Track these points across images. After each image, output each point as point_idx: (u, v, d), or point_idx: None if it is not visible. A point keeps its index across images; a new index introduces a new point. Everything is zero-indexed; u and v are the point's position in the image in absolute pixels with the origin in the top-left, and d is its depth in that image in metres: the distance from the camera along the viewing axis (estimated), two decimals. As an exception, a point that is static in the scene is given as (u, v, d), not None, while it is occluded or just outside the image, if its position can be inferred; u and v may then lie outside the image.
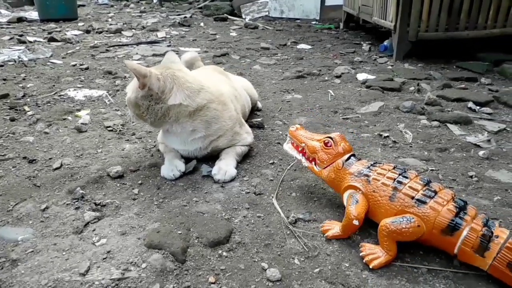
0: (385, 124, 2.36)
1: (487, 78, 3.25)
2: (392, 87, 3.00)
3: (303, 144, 1.50)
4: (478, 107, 2.58)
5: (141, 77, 1.55)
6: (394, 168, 1.33)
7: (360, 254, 1.25)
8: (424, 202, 1.20)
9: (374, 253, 1.23)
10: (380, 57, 4.11)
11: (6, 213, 1.47)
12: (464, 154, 1.96)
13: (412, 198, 1.22)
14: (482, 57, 3.73)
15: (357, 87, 3.10)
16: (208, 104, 1.70)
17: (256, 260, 1.23)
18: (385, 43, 4.29)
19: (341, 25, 6.17)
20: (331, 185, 1.46)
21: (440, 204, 1.19)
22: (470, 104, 2.61)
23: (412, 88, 3.01)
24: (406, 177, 1.28)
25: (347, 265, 1.22)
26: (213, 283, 1.14)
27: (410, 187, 1.24)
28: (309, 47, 4.71)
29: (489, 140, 2.09)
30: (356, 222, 1.27)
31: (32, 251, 1.27)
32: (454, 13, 3.69)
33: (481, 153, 1.95)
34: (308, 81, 3.29)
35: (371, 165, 1.37)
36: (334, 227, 1.35)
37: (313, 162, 1.49)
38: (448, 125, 2.32)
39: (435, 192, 1.22)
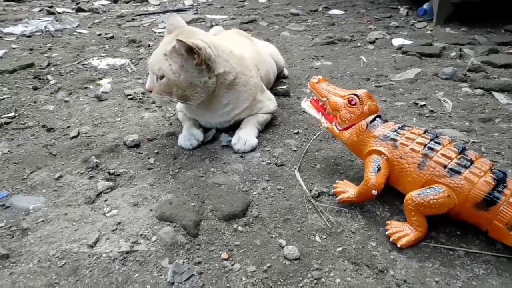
0: (421, 92, 2.16)
1: (540, 42, 2.93)
2: (430, 52, 2.76)
3: (324, 99, 1.35)
4: (528, 74, 2.33)
5: (201, 52, 1.40)
6: (425, 132, 1.18)
7: (386, 232, 1.13)
8: (458, 172, 1.06)
9: (402, 230, 1.11)
10: (419, 21, 3.81)
11: (21, 181, 1.44)
12: (511, 125, 1.77)
13: (445, 167, 1.08)
14: (534, 19, 3.38)
15: (392, 53, 2.88)
16: (239, 69, 1.60)
17: (273, 236, 1.14)
18: (425, 6, 3.97)
19: (377, -11, 5.79)
20: (352, 149, 1.32)
21: (476, 175, 1.04)
22: (520, 70, 2.36)
23: (453, 54, 2.76)
24: (439, 143, 1.13)
25: (373, 244, 1.10)
26: (226, 259, 1.06)
27: (442, 154, 1.10)
28: (342, 12, 4.44)
29: (540, 109, 1.87)
30: (374, 192, 1.15)
31: (43, 221, 1.23)
32: (505, -30, 3.34)
33: (531, 123, 1.75)
34: (339, 48, 3.10)
35: (399, 128, 1.21)
36: (348, 190, 1.24)
37: (333, 122, 1.35)
38: (494, 93, 2.10)
39: (471, 162, 1.07)
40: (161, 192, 1.34)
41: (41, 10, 4.87)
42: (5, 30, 3.67)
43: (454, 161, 1.08)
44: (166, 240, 1.11)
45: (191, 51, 1.40)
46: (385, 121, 1.27)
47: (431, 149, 1.12)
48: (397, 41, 3.10)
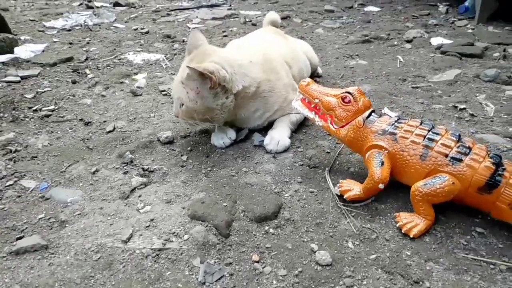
0: (461, 94, 2.08)
1: None
2: (472, 52, 2.65)
3: (317, 100, 1.35)
4: None
5: (213, 76, 1.40)
6: (421, 124, 1.21)
7: (397, 224, 1.15)
8: (460, 160, 1.11)
9: (412, 221, 1.14)
10: (459, 19, 3.66)
11: (59, 174, 1.48)
12: (559, 132, 1.67)
13: (446, 156, 1.12)
14: None
15: (431, 52, 2.78)
16: (263, 77, 1.58)
17: (305, 240, 1.13)
18: (466, 3, 3.81)
19: (416, -15, 5.61)
20: (350, 145, 1.33)
21: (477, 161, 1.11)
22: None
23: (496, 54, 2.64)
24: (437, 134, 1.17)
25: (408, 253, 1.07)
26: (257, 261, 1.06)
27: (442, 144, 1.14)
28: (378, 9, 4.33)
29: None
30: (381, 186, 1.18)
31: (80, 214, 1.26)
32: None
33: None
34: (375, 46, 3.02)
35: (396, 121, 1.24)
36: (353, 188, 1.25)
37: (328, 120, 1.35)
38: (540, 97, 1.99)
39: (470, 148, 1.14)
40: (194, 190, 1.35)
41: (80, 4, 5.01)
42: (47, 24, 3.80)
43: (454, 149, 1.13)
44: (198, 239, 1.12)
45: (204, 75, 1.41)
46: (380, 115, 1.30)
47: (431, 140, 1.16)
48: (436, 40, 3.00)
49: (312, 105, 1.39)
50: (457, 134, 1.18)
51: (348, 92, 1.31)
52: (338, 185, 1.30)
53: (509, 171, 1.09)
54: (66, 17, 4.17)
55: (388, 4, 4.57)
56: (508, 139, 1.63)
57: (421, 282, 0.99)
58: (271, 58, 1.70)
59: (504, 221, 1.12)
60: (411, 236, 1.12)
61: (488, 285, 0.97)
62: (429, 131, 1.18)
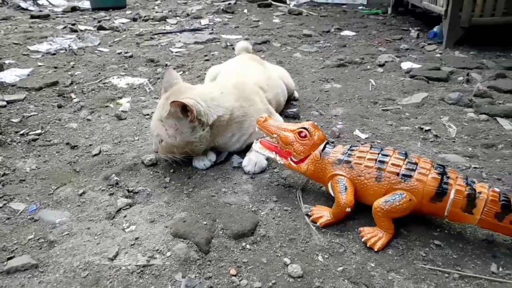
0: (427, 116, 2.24)
1: (548, 67, 2.98)
2: (438, 76, 2.84)
3: (275, 135, 1.46)
4: (534, 100, 2.38)
5: (193, 108, 1.52)
6: (371, 148, 1.34)
7: (362, 239, 1.26)
8: (410, 176, 1.24)
9: (375, 235, 1.26)
10: (429, 44, 3.89)
11: (47, 196, 1.56)
12: (513, 151, 1.83)
13: (397, 174, 1.25)
14: (543, 44, 3.43)
15: (401, 76, 2.97)
16: (235, 104, 1.71)
17: (279, 254, 1.23)
18: (435, 29, 4.05)
19: (389, 10, 5.90)
20: (313, 177, 1.45)
21: (424, 174, 1.23)
22: (525, 97, 2.42)
23: (460, 78, 2.84)
24: (386, 155, 1.30)
25: (372, 265, 1.18)
26: (234, 275, 1.15)
27: (392, 164, 1.27)
28: (353, 33, 4.55)
29: (543, 137, 1.93)
30: (348, 210, 1.30)
31: (68, 234, 1.34)
32: (514, -4, 3.41)
33: (532, 150, 1.81)
34: (349, 70, 3.19)
35: (348, 149, 1.37)
36: (324, 214, 1.35)
37: (288, 158, 1.46)
38: (498, 119, 2.16)
39: (416, 164, 1.26)
40: (176, 210, 1.44)
41: (64, 28, 5.10)
42: (32, 48, 3.87)
43: (403, 167, 1.26)
44: (180, 255, 1.21)
45: (184, 110, 1.53)
46: (334, 145, 1.42)
47: (381, 162, 1.29)
48: (406, 65, 3.19)
49: (272, 140, 1.49)
50: (404, 152, 1.32)
51: (303, 128, 1.43)
52: (309, 213, 1.39)
53: (453, 178, 1.22)
54: (50, 40, 4.25)
55: (363, 29, 4.80)
56: (467, 158, 1.77)
57: (383, 291, 1.09)
58: (243, 86, 1.83)
59: (460, 223, 1.27)
60: (375, 250, 1.23)
61: (441, 292, 1.08)
62: (379, 154, 1.31)
